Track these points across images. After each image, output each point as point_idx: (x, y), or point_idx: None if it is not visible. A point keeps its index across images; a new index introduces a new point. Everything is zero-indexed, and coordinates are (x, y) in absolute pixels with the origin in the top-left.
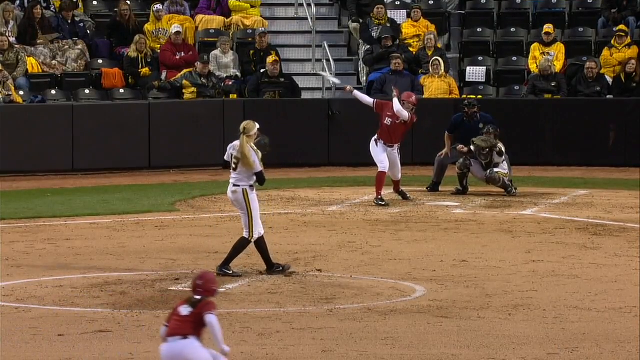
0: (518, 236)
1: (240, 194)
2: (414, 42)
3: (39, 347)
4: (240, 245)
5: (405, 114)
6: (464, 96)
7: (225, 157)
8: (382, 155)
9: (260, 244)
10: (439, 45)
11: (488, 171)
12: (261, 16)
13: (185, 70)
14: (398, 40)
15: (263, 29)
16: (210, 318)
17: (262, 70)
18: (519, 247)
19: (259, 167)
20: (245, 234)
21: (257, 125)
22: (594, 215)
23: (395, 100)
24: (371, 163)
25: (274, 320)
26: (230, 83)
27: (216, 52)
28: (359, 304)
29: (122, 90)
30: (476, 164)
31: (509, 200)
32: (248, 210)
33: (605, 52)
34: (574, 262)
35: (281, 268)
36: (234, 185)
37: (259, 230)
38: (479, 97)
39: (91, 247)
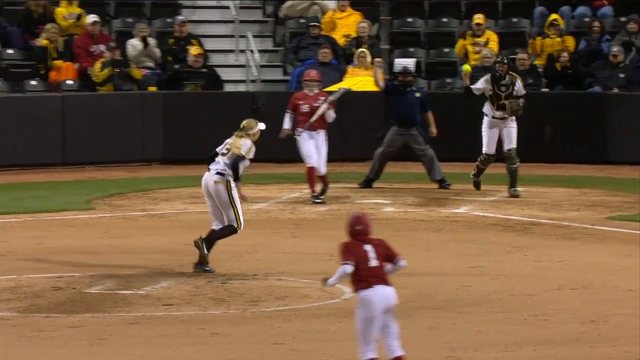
0: (449, 235)
1: (222, 185)
2: (340, 33)
3: None
4: (229, 231)
5: (332, 116)
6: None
7: (218, 149)
8: (308, 148)
9: (217, 235)
10: (367, 37)
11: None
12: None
13: (100, 60)
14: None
15: (182, 17)
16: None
17: (177, 67)
18: (450, 246)
19: (242, 152)
20: (234, 224)
21: (261, 126)
22: (529, 214)
23: (330, 113)
24: (298, 159)
25: (197, 324)
26: (145, 73)
27: (133, 40)
28: (285, 307)
29: (33, 82)
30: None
31: (442, 197)
32: (232, 202)
33: (538, 41)
34: (506, 261)
35: (209, 269)
36: (218, 174)
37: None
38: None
39: (1, 248)
